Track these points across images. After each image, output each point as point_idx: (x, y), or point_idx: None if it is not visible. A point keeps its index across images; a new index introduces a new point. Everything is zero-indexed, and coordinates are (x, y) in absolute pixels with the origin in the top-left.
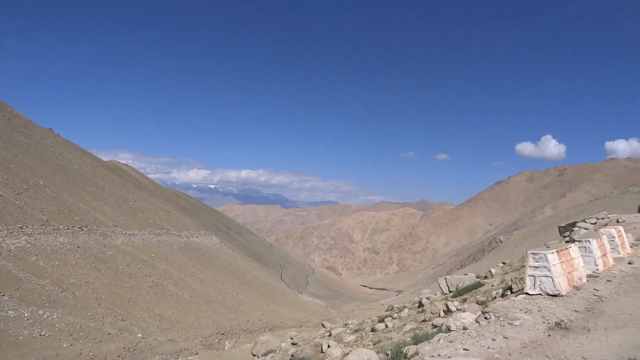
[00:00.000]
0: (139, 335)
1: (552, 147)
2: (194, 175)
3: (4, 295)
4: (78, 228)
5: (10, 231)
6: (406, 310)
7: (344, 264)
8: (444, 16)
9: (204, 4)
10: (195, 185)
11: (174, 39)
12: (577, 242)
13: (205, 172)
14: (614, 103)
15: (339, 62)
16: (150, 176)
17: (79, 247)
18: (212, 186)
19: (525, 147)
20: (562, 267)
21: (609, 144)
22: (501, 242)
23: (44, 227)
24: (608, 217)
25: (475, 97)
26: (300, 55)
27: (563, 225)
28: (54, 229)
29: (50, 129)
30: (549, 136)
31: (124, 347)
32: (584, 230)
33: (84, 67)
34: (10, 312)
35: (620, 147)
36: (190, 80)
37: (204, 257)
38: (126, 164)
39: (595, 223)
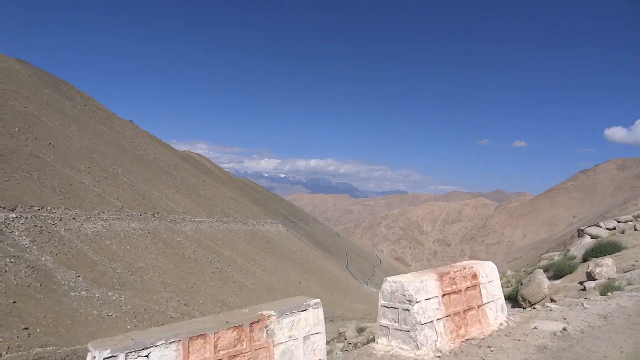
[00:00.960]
0: None
1: None
2: (265, 164)
3: (79, 276)
4: (150, 214)
5: (89, 216)
6: None
7: (413, 255)
8: None
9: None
10: (266, 174)
11: (248, 38)
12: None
13: (276, 162)
14: None
15: (410, 48)
16: (224, 165)
17: (149, 232)
18: (282, 175)
19: (616, 132)
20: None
21: None
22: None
23: (118, 213)
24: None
25: (556, 78)
26: (368, 45)
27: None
28: (127, 215)
29: (130, 121)
30: None
31: None
32: (588, 240)
33: (167, 67)
34: (83, 292)
35: None
36: (263, 75)
37: (269, 245)
38: (199, 154)
39: (614, 228)
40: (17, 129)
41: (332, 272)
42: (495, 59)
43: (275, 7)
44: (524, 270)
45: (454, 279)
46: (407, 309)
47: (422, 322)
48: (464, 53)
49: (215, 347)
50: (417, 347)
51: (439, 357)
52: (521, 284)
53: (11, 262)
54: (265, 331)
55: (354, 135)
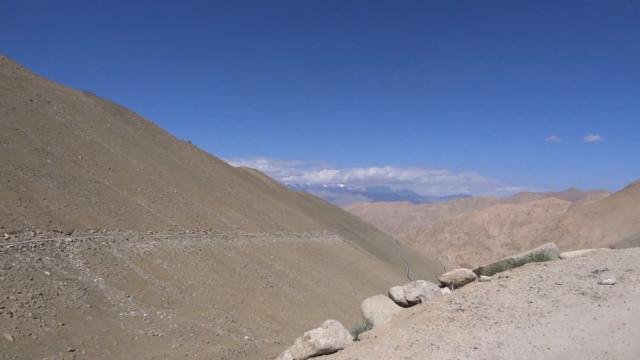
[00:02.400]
0: (246, 337)
1: None
2: (323, 175)
3: (129, 296)
4: (203, 232)
5: (142, 237)
6: None
7: (480, 261)
8: None
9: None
10: (325, 186)
11: (298, 53)
12: None
13: (335, 172)
14: None
15: (468, 46)
16: (284, 179)
17: (200, 249)
18: (341, 185)
19: None
20: None
21: None
22: None
23: (171, 231)
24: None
25: (627, 66)
26: (422, 44)
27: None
28: (180, 234)
29: (189, 142)
30: None
31: (229, 349)
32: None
33: (226, 91)
34: (131, 312)
35: None
36: (317, 88)
37: (323, 257)
38: (255, 169)
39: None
40: (80, 157)
41: (391, 282)
42: (559, 50)
43: (322, 19)
44: None
45: None
46: None
47: None
48: (525, 47)
49: None
50: None
51: None
52: None
53: (64, 285)
54: None
55: (412, 140)
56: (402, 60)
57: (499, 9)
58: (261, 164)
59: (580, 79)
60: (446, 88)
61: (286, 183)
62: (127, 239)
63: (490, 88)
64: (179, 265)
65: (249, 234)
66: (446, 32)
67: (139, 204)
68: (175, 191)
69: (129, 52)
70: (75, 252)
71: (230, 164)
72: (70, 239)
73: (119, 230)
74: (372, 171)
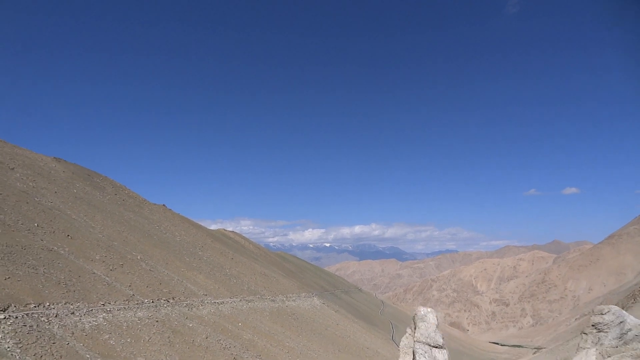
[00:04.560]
0: None
1: None
2: (309, 235)
3: None
4: (164, 300)
5: (90, 309)
6: None
7: (470, 319)
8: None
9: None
10: (311, 245)
11: (289, 111)
12: None
13: (320, 231)
14: None
15: (447, 105)
16: (269, 240)
17: (157, 320)
18: (327, 244)
19: None
20: None
21: None
22: None
23: (127, 302)
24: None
25: (604, 121)
26: (405, 98)
27: None
28: (137, 304)
29: (163, 205)
30: None
31: None
32: None
33: (206, 154)
34: None
35: None
36: (301, 146)
37: (297, 322)
38: (233, 231)
39: None
40: (36, 224)
41: (372, 347)
42: (533, 113)
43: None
44: None
45: None
46: None
47: None
48: (500, 110)
49: None
50: None
51: None
52: None
53: None
54: None
55: (396, 197)
56: (383, 117)
57: (476, 69)
58: (245, 226)
59: (556, 134)
60: (427, 144)
61: (271, 244)
62: (73, 313)
63: (470, 147)
64: (128, 340)
65: (217, 301)
66: (424, 92)
67: (94, 273)
68: (139, 257)
69: (114, 117)
70: (6, 331)
71: (212, 226)
72: (3, 316)
73: (65, 303)
74: (357, 229)
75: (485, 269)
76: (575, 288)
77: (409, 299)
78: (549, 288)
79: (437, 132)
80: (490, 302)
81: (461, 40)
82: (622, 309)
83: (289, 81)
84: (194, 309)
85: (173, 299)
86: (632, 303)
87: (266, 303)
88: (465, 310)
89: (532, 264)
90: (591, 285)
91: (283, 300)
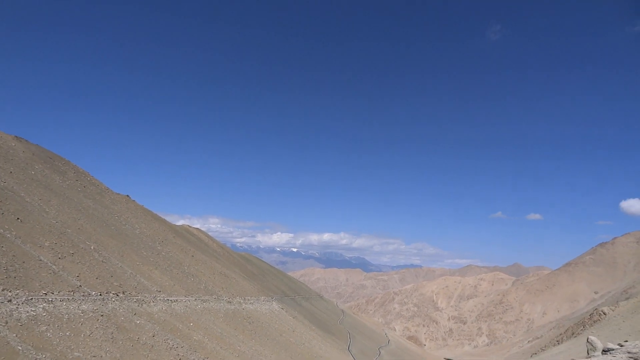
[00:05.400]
0: None
1: None
2: (277, 238)
3: None
4: (113, 294)
5: (30, 298)
6: None
7: (428, 334)
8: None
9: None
10: (278, 249)
11: (260, 118)
12: None
13: (289, 236)
14: None
15: (422, 124)
16: (236, 240)
17: (102, 315)
18: (294, 249)
19: (633, 205)
20: None
21: None
22: (605, 314)
23: (72, 293)
24: None
25: (568, 151)
26: (380, 115)
27: None
28: (83, 295)
29: (127, 195)
30: None
31: None
32: None
33: (177, 150)
34: None
35: None
36: (275, 148)
37: (252, 326)
38: (198, 228)
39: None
40: None
41: (325, 356)
42: (503, 138)
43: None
44: None
45: None
46: None
47: None
48: (475, 132)
49: None
50: None
51: None
52: None
53: None
54: None
55: (368, 207)
56: (362, 127)
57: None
58: (214, 224)
59: (523, 161)
60: (403, 161)
61: (238, 245)
62: (10, 301)
63: (444, 165)
64: (67, 334)
65: (171, 298)
66: (408, 113)
67: (40, 260)
68: (92, 247)
69: (87, 103)
70: None
71: (180, 222)
72: None
73: (2, 290)
74: (326, 236)
75: (447, 286)
76: (530, 311)
77: (371, 310)
78: (506, 309)
79: (411, 148)
80: (449, 319)
81: (438, 61)
82: (572, 335)
83: (265, 81)
84: (144, 305)
85: (123, 293)
86: (581, 330)
87: (222, 304)
88: (424, 325)
89: (492, 284)
90: (546, 310)
91: (240, 302)
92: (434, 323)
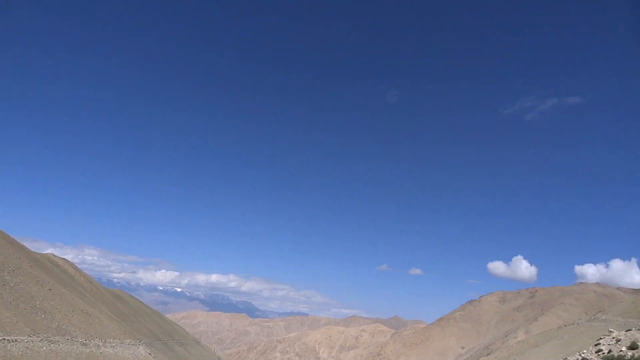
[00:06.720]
0: None
1: (523, 268)
2: (161, 276)
3: None
4: None
5: None
6: None
7: None
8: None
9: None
10: (161, 288)
11: (158, 160)
12: None
13: (174, 274)
14: (584, 228)
15: (313, 178)
16: (114, 275)
17: None
18: (178, 289)
19: (497, 267)
20: None
21: (578, 268)
22: None
23: None
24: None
25: (443, 212)
26: (281, 163)
27: None
28: None
29: None
30: (520, 257)
31: None
32: None
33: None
34: None
35: (590, 271)
36: (167, 177)
37: None
38: (64, 259)
39: None
40: None
41: None
42: (392, 195)
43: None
44: None
45: None
46: None
47: None
48: (366, 181)
49: None
50: None
51: None
52: None
53: None
54: None
55: (258, 250)
56: (253, 177)
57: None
58: (90, 255)
59: (406, 215)
60: (294, 209)
61: (115, 280)
62: None
63: (334, 214)
64: None
65: (8, 338)
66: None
67: None
68: None
69: None
70: None
71: (48, 250)
72: None
73: None
74: (214, 277)
75: (330, 336)
76: None
77: (251, 358)
78: None
79: (306, 198)
80: None
81: (341, 125)
82: None
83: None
84: None
85: None
86: None
87: (75, 347)
88: None
89: (373, 336)
90: None
91: (98, 345)
92: None
